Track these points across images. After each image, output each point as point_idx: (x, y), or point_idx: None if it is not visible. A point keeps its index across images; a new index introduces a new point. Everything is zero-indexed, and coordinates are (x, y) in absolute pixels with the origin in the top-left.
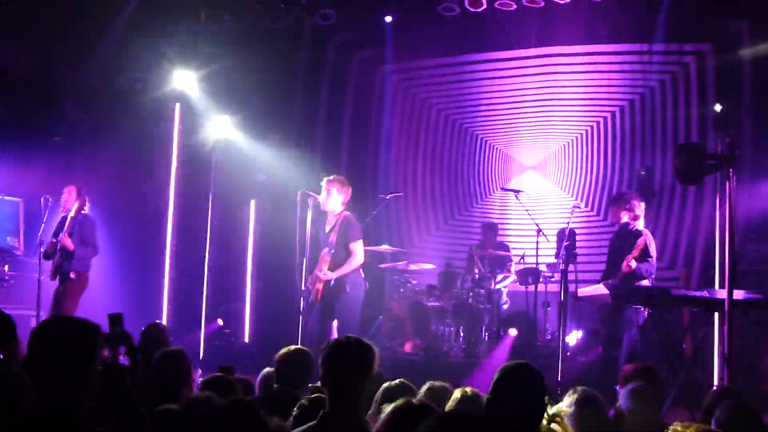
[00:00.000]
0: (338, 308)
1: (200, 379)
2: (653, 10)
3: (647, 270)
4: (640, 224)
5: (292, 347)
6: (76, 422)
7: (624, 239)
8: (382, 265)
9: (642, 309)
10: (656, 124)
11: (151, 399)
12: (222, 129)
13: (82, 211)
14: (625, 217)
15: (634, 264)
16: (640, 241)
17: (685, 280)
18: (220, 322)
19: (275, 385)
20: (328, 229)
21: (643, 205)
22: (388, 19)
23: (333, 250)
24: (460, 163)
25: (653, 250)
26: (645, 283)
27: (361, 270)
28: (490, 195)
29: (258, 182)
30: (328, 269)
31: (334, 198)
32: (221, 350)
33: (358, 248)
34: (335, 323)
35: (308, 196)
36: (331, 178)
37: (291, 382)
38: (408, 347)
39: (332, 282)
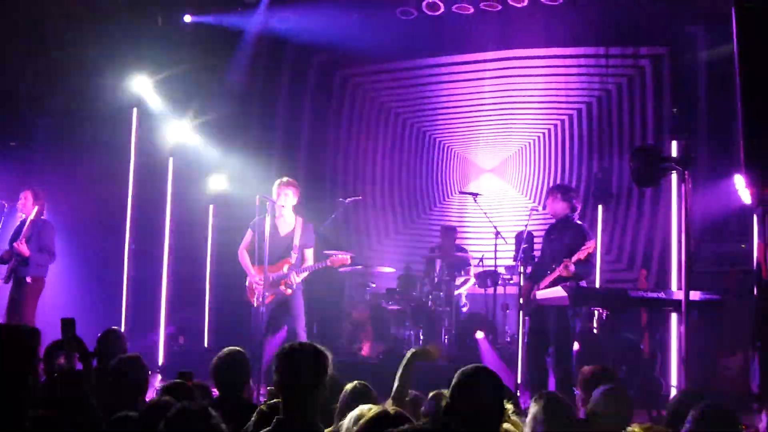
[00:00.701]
0: (294, 310)
1: (159, 385)
2: (610, 14)
3: (586, 273)
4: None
5: (225, 350)
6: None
7: (564, 233)
8: (342, 269)
9: (578, 315)
10: (613, 127)
11: (108, 405)
12: (180, 133)
13: (42, 216)
14: (563, 209)
15: (572, 267)
16: (590, 245)
17: (642, 281)
18: (180, 339)
19: (216, 392)
20: (284, 233)
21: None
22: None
23: (297, 255)
24: (419, 166)
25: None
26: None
27: None
28: (448, 198)
29: (216, 186)
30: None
31: (291, 201)
32: (180, 356)
33: (312, 253)
34: (300, 325)
35: (267, 200)
36: (286, 180)
37: (229, 385)
38: (365, 350)
39: (294, 286)
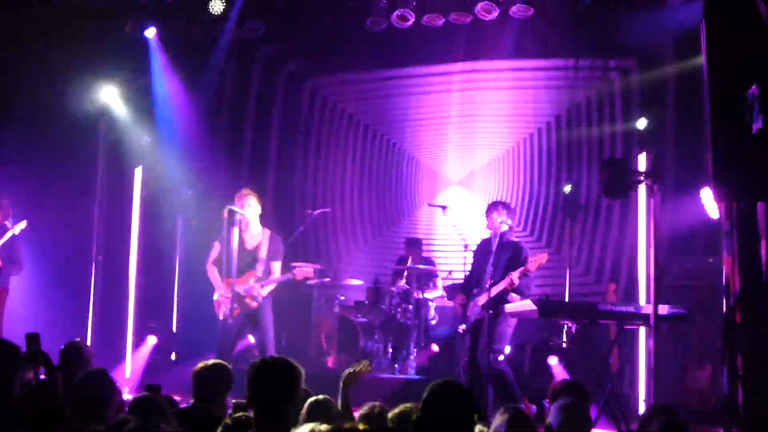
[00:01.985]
0: (261, 323)
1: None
2: (580, 26)
3: (527, 285)
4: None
5: (210, 361)
6: None
7: (504, 248)
8: (310, 281)
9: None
10: (582, 139)
11: (74, 420)
12: (148, 144)
13: (7, 225)
14: (504, 227)
15: (517, 280)
16: (539, 256)
17: (611, 295)
18: (152, 339)
19: (192, 401)
20: (250, 246)
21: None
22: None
23: (263, 268)
24: (387, 178)
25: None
26: (516, 297)
27: None
28: (416, 210)
29: (184, 198)
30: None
31: (255, 211)
32: (149, 369)
33: (279, 267)
34: (269, 339)
35: (234, 213)
36: (244, 192)
37: (207, 396)
38: (332, 362)
39: (260, 299)
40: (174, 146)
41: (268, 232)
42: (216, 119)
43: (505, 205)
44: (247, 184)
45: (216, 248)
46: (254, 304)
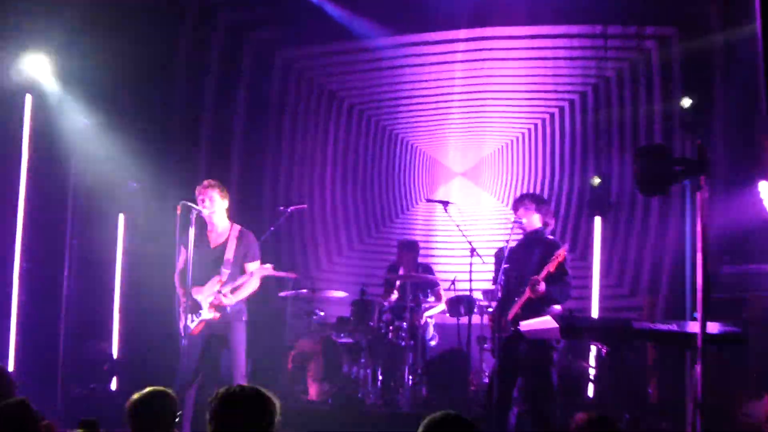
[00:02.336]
0: (232, 343)
1: None
2: None
3: (563, 292)
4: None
5: (146, 390)
6: None
7: (532, 249)
8: (283, 293)
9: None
10: (612, 122)
11: None
12: (84, 126)
13: None
14: (536, 222)
15: (542, 285)
16: (559, 253)
17: (649, 311)
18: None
19: None
20: (215, 245)
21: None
22: None
23: (230, 271)
24: (377, 168)
25: (569, 266)
26: (557, 309)
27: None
28: (413, 207)
29: (128, 192)
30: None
31: (219, 206)
32: (82, 400)
33: (257, 269)
34: (238, 364)
35: (190, 209)
36: (206, 183)
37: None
38: (313, 393)
39: (229, 309)
40: (117, 129)
41: (237, 228)
42: (169, 97)
43: (534, 199)
44: (207, 173)
45: (181, 255)
46: (216, 315)
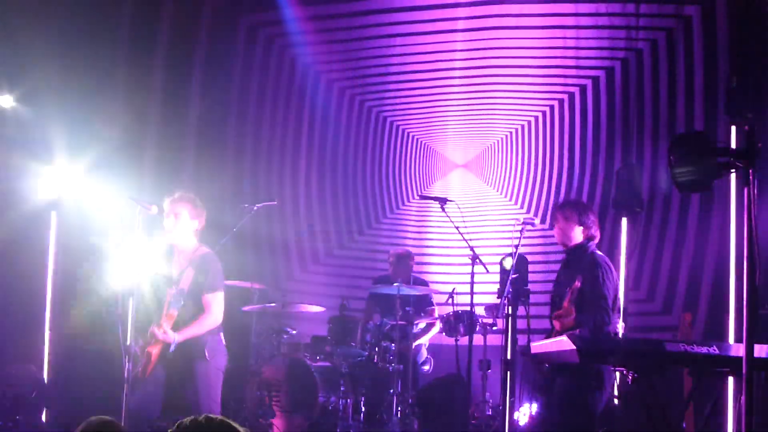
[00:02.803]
0: (192, 384)
1: None
2: None
3: (596, 320)
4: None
5: (95, 419)
6: None
7: (574, 271)
8: (247, 308)
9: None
10: (645, 103)
11: None
12: (10, 106)
13: None
14: (578, 236)
15: (572, 314)
16: (576, 286)
17: (685, 330)
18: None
19: None
20: (177, 272)
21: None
22: None
23: (182, 303)
24: (362, 159)
25: (610, 287)
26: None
27: (221, 334)
28: (404, 205)
29: (62, 186)
30: (171, 328)
31: (185, 225)
32: None
33: (216, 302)
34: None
35: (139, 206)
36: (177, 196)
37: None
38: (282, 427)
39: (172, 347)
40: (46, 106)
41: (201, 252)
42: (111, 67)
43: (577, 208)
44: (156, 163)
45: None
46: (155, 351)
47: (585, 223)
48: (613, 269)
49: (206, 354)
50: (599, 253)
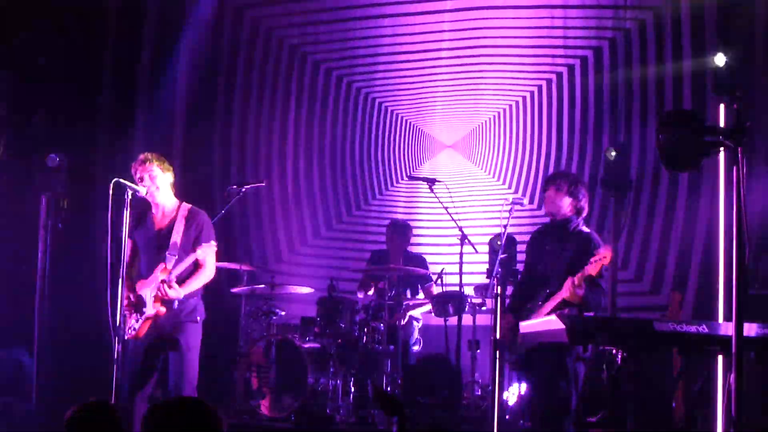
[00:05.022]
0: (180, 348)
1: None
2: None
3: (599, 303)
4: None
5: (86, 403)
6: None
7: (563, 242)
8: (235, 289)
9: (587, 354)
10: (632, 83)
11: None
12: None
13: None
14: (566, 206)
15: (582, 290)
16: (603, 254)
17: (674, 310)
18: None
19: None
20: (160, 227)
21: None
22: None
23: (177, 257)
24: (350, 140)
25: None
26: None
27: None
28: (392, 186)
29: (50, 167)
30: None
31: (161, 181)
32: None
33: (210, 255)
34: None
35: (125, 188)
36: (142, 158)
37: None
38: (271, 408)
39: (177, 303)
40: (32, 84)
41: (187, 207)
42: (98, 47)
43: (568, 178)
44: (144, 143)
45: (129, 247)
46: (161, 310)
47: (575, 195)
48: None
49: (197, 316)
50: (588, 229)
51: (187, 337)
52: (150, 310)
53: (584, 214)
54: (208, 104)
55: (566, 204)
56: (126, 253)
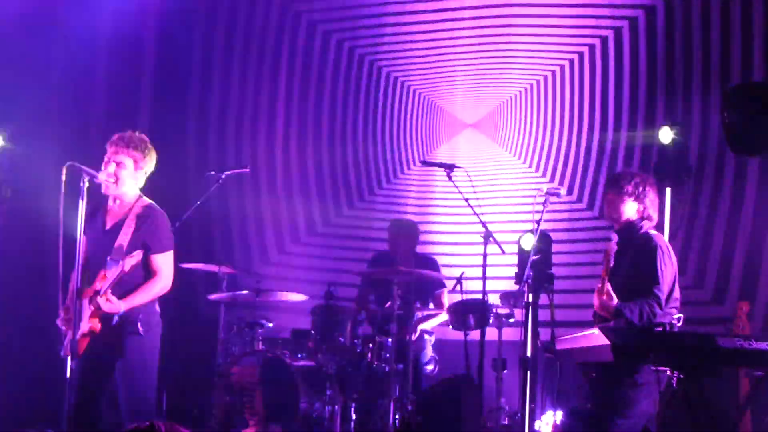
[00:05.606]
0: (124, 365)
1: None
2: None
3: (642, 312)
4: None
5: None
6: None
7: (624, 252)
8: (213, 296)
9: (661, 373)
10: (693, 50)
11: None
12: None
13: None
14: (630, 212)
15: (615, 299)
16: (608, 247)
17: (742, 322)
18: None
19: None
20: (110, 225)
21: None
22: None
23: (122, 262)
24: (353, 117)
25: (667, 273)
26: None
27: (156, 302)
28: (403, 173)
29: None
30: (112, 293)
31: (128, 174)
32: None
33: (167, 264)
34: (137, 394)
35: (80, 173)
36: (118, 137)
37: None
38: None
39: (116, 318)
40: None
41: (143, 203)
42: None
43: (632, 180)
44: (105, 122)
45: (82, 244)
46: (97, 327)
47: (640, 198)
48: (672, 253)
49: (139, 327)
50: (653, 232)
51: (132, 354)
52: (84, 325)
53: (654, 222)
54: (181, 74)
55: (630, 210)
56: (80, 254)
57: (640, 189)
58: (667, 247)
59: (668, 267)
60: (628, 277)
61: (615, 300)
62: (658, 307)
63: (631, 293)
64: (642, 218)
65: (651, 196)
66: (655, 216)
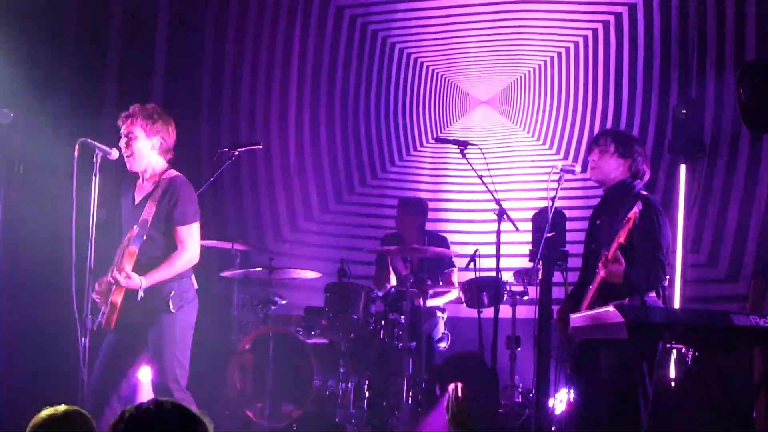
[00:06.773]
0: (153, 343)
1: None
2: None
3: (649, 276)
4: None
5: (60, 409)
6: None
7: (616, 212)
8: (226, 273)
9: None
10: (707, 25)
11: None
12: None
13: None
14: (618, 170)
15: (620, 265)
16: (632, 213)
17: (757, 300)
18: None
19: None
20: (138, 200)
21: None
22: None
23: (146, 237)
24: (366, 95)
25: (665, 235)
26: (653, 297)
27: (193, 277)
28: (416, 150)
29: (2, 124)
30: (134, 270)
31: (142, 145)
32: None
33: (191, 236)
34: (145, 373)
35: (93, 149)
36: (133, 110)
37: None
38: (269, 416)
39: (140, 294)
40: None
41: (169, 175)
42: None
43: (615, 137)
44: (118, 100)
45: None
46: (117, 300)
47: (626, 155)
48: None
49: (170, 304)
50: (645, 192)
51: (161, 331)
52: (114, 297)
53: (645, 177)
54: (194, 52)
55: (615, 166)
56: (93, 229)
57: (624, 145)
58: (662, 209)
59: (667, 229)
60: (630, 240)
61: (621, 264)
62: (662, 272)
63: (628, 257)
64: (633, 176)
65: (637, 149)
66: (647, 170)
